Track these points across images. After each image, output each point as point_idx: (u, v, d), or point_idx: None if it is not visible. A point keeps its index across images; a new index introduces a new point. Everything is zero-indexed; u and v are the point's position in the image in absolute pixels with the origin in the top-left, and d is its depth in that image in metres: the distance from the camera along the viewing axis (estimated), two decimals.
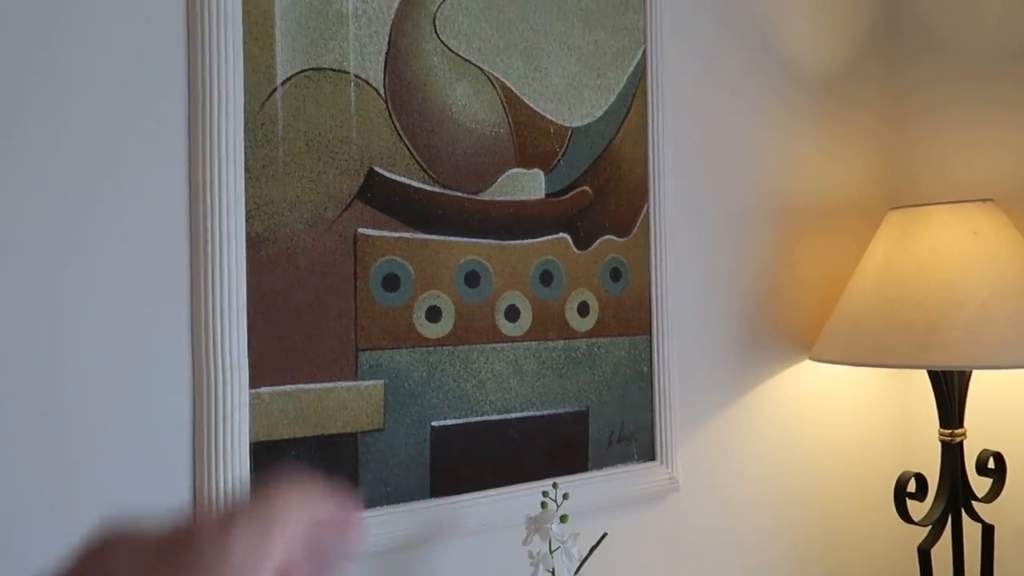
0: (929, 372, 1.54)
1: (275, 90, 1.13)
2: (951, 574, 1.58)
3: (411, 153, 1.23)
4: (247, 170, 1.10)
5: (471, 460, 1.28)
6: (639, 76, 1.47)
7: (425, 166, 1.24)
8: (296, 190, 1.14)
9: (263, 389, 1.09)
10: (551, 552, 1.13)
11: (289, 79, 1.14)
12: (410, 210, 1.23)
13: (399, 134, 1.22)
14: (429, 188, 1.25)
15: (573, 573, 1.13)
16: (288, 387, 1.12)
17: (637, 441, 1.45)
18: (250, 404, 1.08)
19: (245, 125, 1.10)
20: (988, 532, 1.58)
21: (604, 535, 1.19)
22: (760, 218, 1.65)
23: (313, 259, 1.15)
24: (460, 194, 1.28)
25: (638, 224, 1.46)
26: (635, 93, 1.46)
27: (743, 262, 1.62)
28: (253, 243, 1.10)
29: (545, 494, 1.18)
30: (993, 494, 1.59)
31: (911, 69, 1.81)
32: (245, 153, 1.10)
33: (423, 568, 1.24)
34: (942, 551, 1.59)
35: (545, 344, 1.36)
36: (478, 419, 1.29)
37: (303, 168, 1.14)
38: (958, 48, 1.72)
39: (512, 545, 1.28)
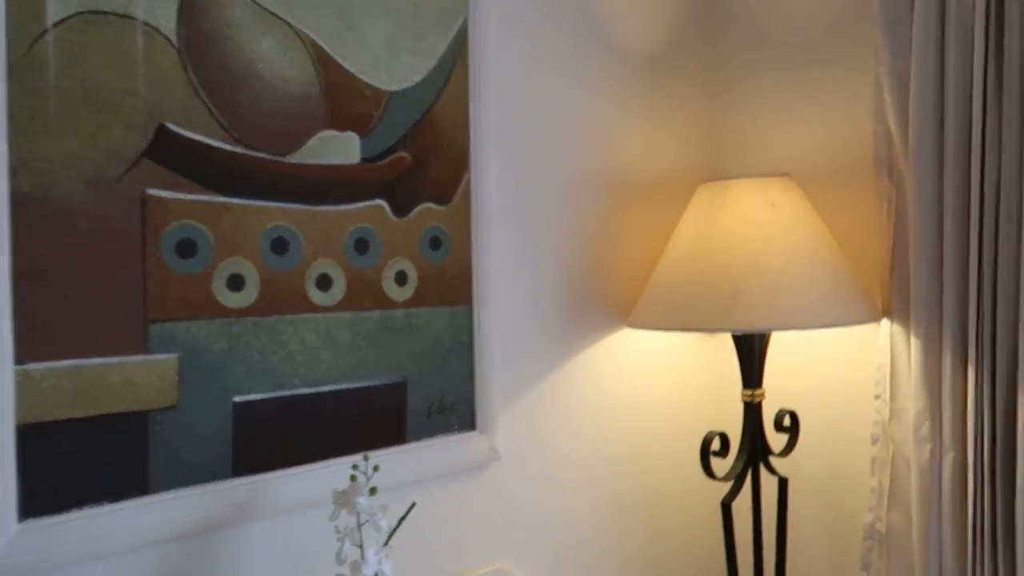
0: (733, 336, 1.64)
1: (45, 32, 1.01)
2: (750, 525, 1.70)
3: (210, 110, 1.15)
4: (11, 120, 0.98)
5: (280, 436, 1.22)
6: (460, 42, 1.44)
7: (226, 125, 1.16)
8: (72, 144, 1.03)
9: (31, 365, 0.98)
10: (359, 526, 1.10)
11: (62, 21, 1.02)
12: (208, 171, 1.15)
13: (195, 89, 1.13)
14: (231, 148, 1.17)
15: (382, 545, 1.11)
16: (63, 363, 1.01)
17: (458, 412, 1.45)
18: (15, 382, 0.97)
19: (8, 70, 0.98)
20: (783, 484, 1.70)
21: (413, 505, 1.17)
22: (581, 190, 1.68)
23: (94, 221, 1.04)
24: (266, 156, 1.20)
25: (459, 192, 1.45)
26: (456, 60, 1.44)
27: (565, 232, 1.64)
28: (20, 202, 0.98)
29: (355, 467, 1.14)
30: (788, 449, 1.71)
31: (722, 55, 1.90)
32: (8, 101, 0.98)
33: (229, 550, 1.17)
34: (744, 504, 1.70)
35: (360, 314, 1.31)
36: (287, 393, 1.23)
37: (80, 121, 1.03)
38: (762, 34, 1.82)
39: (326, 522, 1.24)
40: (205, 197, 1.14)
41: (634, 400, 1.79)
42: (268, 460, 1.20)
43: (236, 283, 1.17)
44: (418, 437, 1.39)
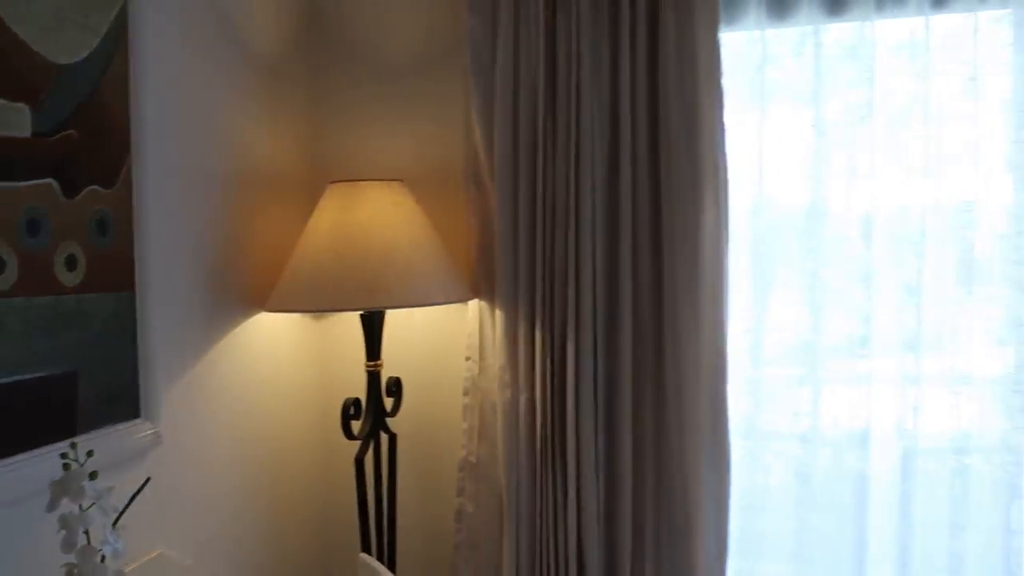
0: (361, 315, 1.90)
1: None
2: (373, 476, 1.99)
3: None
4: None
5: None
6: (122, 23, 1.42)
7: None
8: None
9: None
10: (83, 510, 1.08)
11: None
12: None
13: None
14: None
15: (113, 525, 1.10)
16: None
17: (124, 399, 1.42)
18: None
19: None
20: (393, 439, 2.03)
21: (147, 480, 1.17)
22: (225, 183, 1.76)
23: None
24: None
25: (122, 176, 1.42)
26: (118, 40, 1.41)
27: (213, 222, 1.71)
28: None
29: (65, 456, 1.10)
30: (396, 409, 2.04)
31: (332, 63, 2.13)
32: None
33: None
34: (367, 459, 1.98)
35: (33, 300, 1.23)
36: None
37: None
38: (369, 52, 2.12)
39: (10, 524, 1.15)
40: None
41: (271, 378, 1.92)
42: None
43: None
44: (88, 428, 1.34)
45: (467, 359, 2.02)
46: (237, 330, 1.80)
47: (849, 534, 1.85)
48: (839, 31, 1.86)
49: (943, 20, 1.79)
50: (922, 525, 1.79)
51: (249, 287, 1.84)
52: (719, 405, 1.87)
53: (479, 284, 2.00)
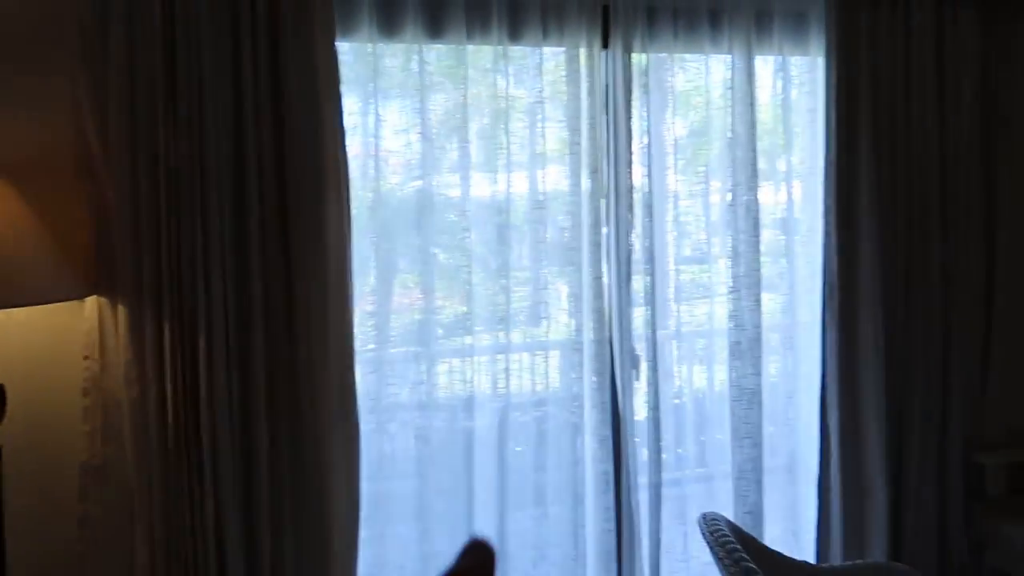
0: None
1: None
2: None
3: None
4: None
5: None
6: None
7: None
8: None
9: None
10: None
11: None
12: None
13: None
14: None
15: None
16: None
17: None
18: None
19: None
20: None
21: None
22: None
23: None
24: None
25: None
26: None
27: None
28: None
29: None
30: None
31: None
32: None
33: None
34: None
35: None
36: None
37: None
38: None
39: None
40: None
41: None
42: None
43: None
44: None
45: (86, 358, 1.94)
46: None
47: (461, 485, 2.17)
48: (439, 51, 2.15)
49: (518, 50, 2.18)
50: (514, 468, 2.17)
51: None
52: (347, 385, 2.05)
53: (98, 280, 1.92)
